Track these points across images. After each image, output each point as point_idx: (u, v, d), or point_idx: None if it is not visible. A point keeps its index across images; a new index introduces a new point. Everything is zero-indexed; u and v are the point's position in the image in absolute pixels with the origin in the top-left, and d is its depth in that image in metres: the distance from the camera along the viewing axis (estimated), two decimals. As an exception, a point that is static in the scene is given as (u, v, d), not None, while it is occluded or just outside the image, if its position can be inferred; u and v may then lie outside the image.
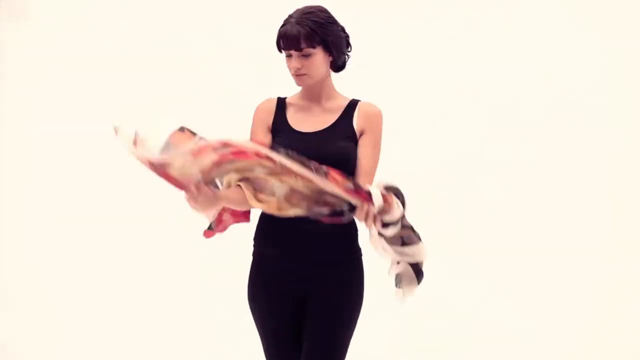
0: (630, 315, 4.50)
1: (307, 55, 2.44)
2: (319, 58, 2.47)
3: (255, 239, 2.61)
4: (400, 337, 4.44)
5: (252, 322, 2.63)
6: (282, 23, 2.49)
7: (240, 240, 4.67)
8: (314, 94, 2.55)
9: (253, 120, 2.57)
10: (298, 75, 2.48)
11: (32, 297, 4.76)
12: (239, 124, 4.68)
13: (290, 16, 2.48)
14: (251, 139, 2.54)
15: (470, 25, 4.72)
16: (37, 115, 4.86)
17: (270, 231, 2.53)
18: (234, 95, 4.76)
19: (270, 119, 2.55)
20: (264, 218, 2.54)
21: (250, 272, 2.62)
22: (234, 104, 4.77)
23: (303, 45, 2.42)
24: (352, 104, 2.56)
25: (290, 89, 2.63)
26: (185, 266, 4.73)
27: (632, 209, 4.63)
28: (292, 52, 2.45)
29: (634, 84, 4.63)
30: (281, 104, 2.57)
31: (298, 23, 2.43)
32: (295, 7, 2.53)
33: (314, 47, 2.44)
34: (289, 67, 2.49)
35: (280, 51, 2.50)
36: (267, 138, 2.53)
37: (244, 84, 4.73)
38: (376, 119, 2.53)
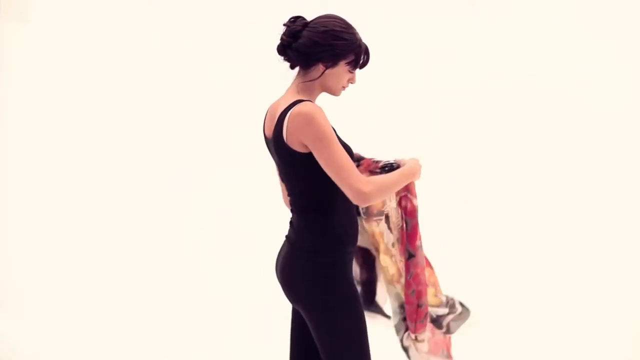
0: (620, 310, 4.53)
1: None
2: None
3: (339, 242, 2.55)
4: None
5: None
6: (352, 39, 2.51)
7: (238, 241, 4.71)
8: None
9: (329, 130, 2.45)
10: (344, 88, 2.60)
11: (33, 298, 4.78)
12: (238, 124, 4.72)
13: (355, 31, 2.53)
14: (341, 154, 2.46)
15: (462, 23, 4.74)
16: (37, 115, 4.88)
17: (352, 232, 2.60)
18: (233, 95, 4.78)
19: None
20: (344, 221, 2.56)
21: (341, 272, 2.55)
22: (233, 105, 4.79)
23: None
24: None
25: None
26: (185, 266, 4.75)
27: (627, 207, 4.65)
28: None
29: (631, 82, 4.65)
30: None
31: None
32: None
33: None
34: (347, 81, 2.57)
35: (342, 61, 2.53)
36: None
37: (244, 85, 4.75)
38: None
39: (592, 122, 4.66)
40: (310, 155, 2.46)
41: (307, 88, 2.56)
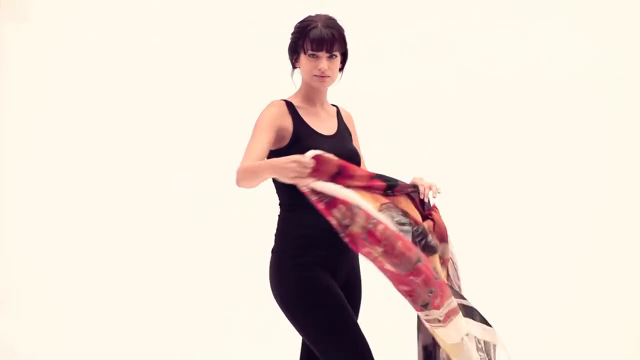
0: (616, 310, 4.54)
1: (332, 58, 2.53)
2: (338, 63, 2.56)
3: (304, 242, 2.52)
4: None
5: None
6: (302, 25, 2.53)
7: (238, 241, 4.71)
8: (319, 98, 2.63)
9: (264, 120, 2.49)
10: (323, 77, 2.53)
11: (33, 298, 4.77)
12: (238, 125, 4.72)
13: (313, 20, 2.53)
14: (255, 139, 2.46)
15: (462, 23, 4.74)
16: (37, 115, 4.87)
17: (322, 234, 2.50)
18: (233, 95, 4.78)
19: (284, 122, 2.52)
20: (312, 220, 2.45)
21: (309, 273, 2.49)
22: (233, 105, 4.79)
23: (335, 47, 2.51)
24: (336, 108, 2.72)
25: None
26: (185, 266, 4.75)
27: (627, 206, 4.65)
28: (322, 53, 2.50)
29: (630, 82, 4.65)
30: (291, 106, 2.56)
31: (329, 27, 2.51)
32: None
33: (339, 52, 2.54)
34: (313, 67, 2.52)
35: (301, 52, 2.53)
36: (272, 139, 2.48)
37: (244, 85, 4.75)
38: (353, 121, 2.77)
39: (591, 122, 4.66)
40: (272, 152, 2.50)
41: (302, 88, 2.63)
